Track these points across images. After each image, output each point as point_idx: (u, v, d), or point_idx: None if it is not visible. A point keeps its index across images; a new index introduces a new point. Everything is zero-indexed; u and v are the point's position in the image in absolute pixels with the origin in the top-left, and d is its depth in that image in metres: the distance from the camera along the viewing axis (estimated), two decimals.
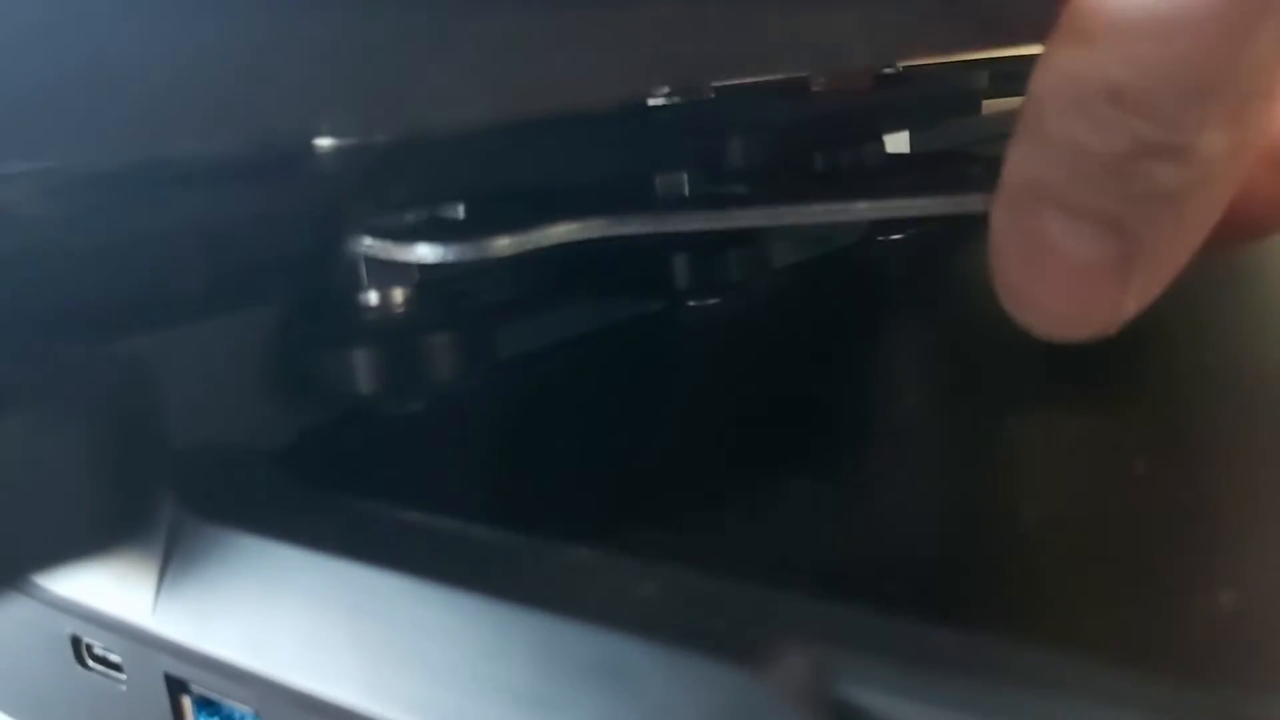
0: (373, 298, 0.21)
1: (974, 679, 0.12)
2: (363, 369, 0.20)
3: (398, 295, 0.21)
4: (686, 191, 0.25)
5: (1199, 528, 0.15)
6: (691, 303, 0.28)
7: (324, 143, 0.21)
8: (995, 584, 0.14)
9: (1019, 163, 0.17)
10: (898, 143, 0.32)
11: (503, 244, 0.21)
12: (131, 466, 0.17)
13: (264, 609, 0.17)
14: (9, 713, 0.22)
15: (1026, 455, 0.19)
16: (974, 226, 0.33)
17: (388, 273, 0.21)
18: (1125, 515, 0.16)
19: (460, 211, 0.21)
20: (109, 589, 0.19)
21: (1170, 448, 0.18)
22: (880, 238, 0.32)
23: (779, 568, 0.15)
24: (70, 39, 0.09)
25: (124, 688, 0.19)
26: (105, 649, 0.19)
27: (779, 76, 0.28)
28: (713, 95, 0.28)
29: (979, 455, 0.19)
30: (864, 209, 0.20)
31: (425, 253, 0.20)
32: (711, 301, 0.28)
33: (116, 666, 0.19)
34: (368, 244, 0.20)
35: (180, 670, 0.18)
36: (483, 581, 0.15)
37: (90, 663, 0.20)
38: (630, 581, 0.14)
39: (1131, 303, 0.17)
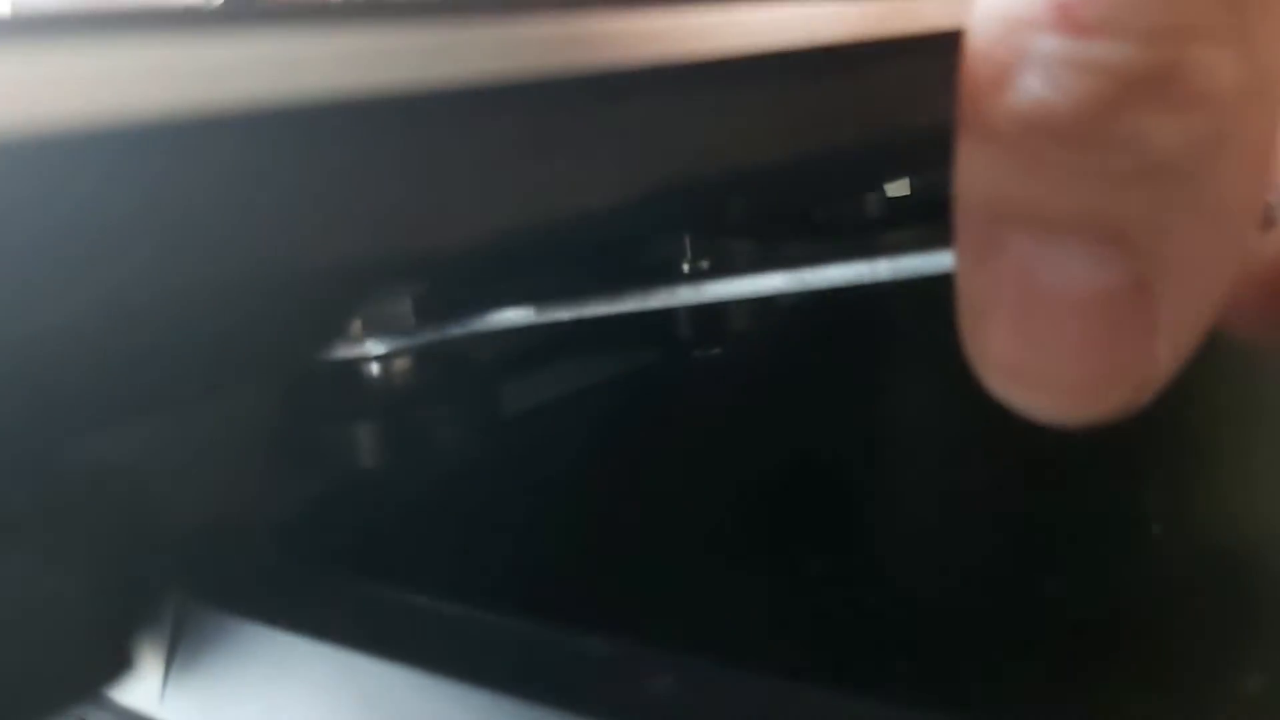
0: (374, 368, 0.21)
1: None
2: (367, 445, 0.20)
3: (397, 365, 0.21)
4: (688, 249, 0.25)
5: (1224, 606, 0.15)
6: (695, 352, 0.27)
7: None
8: (1017, 675, 0.14)
9: (965, 175, 0.13)
10: (897, 185, 0.32)
11: (452, 331, 0.20)
12: (135, 551, 0.17)
13: (272, 699, 0.17)
14: None
15: (1044, 522, 0.18)
16: None
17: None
18: (1150, 598, 0.16)
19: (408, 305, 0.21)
20: None
21: (1193, 510, 0.18)
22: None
23: (799, 661, 0.14)
24: (57, 206, 0.09)
25: None
26: None
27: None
28: None
29: (994, 524, 0.18)
30: (883, 270, 0.18)
31: (372, 347, 0.20)
32: (715, 351, 0.27)
33: None
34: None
35: None
36: (494, 676, 0.15)
37: None
38: (646, 675, 0.14)
39: (1165, 350, 0.12)
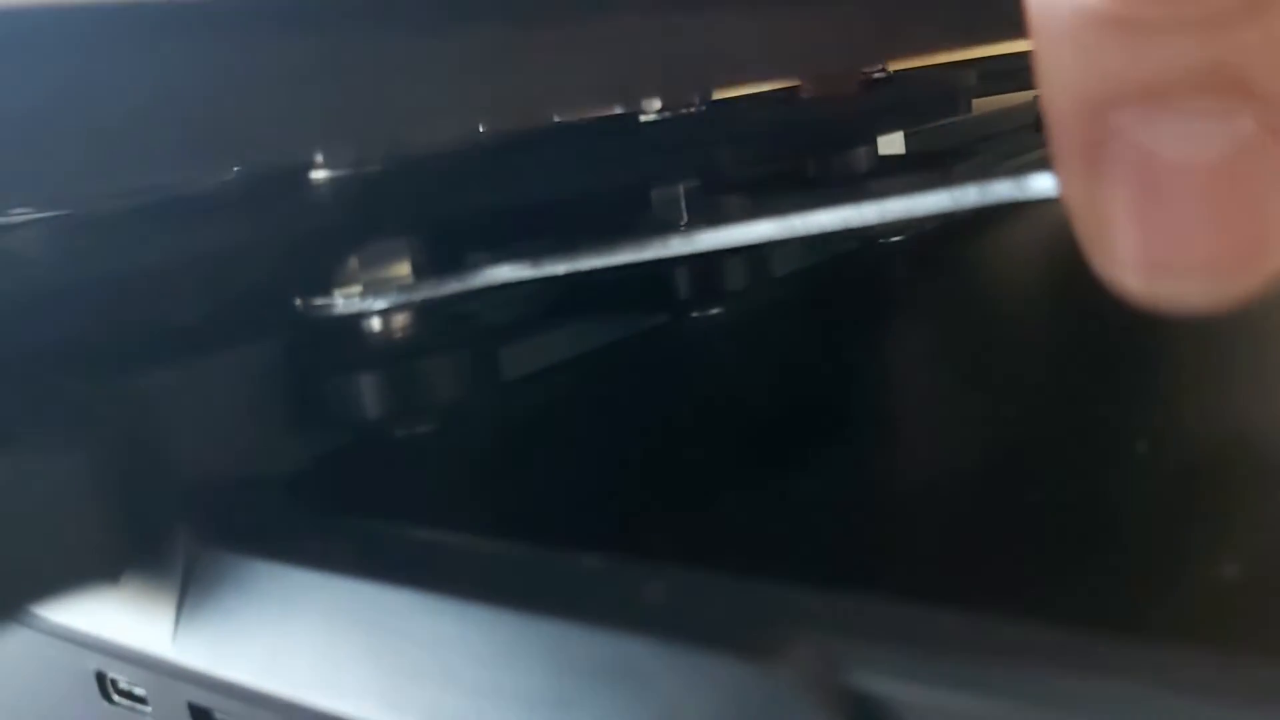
0: (375, 323, 0.21)
1: (983, 660, 0.12)
2: (368, 394, 0.20)
3: (398, 320, 0.22)
4: (684, 205, 0.25)
5: (1203, 506, 0.15)
6: (694, 314, 0.28)
7: (318, 175, 0.22)
8: (999, 567, 0.14)
9: (1054, 71, 0.12)
10: (891, 146, 0.32)
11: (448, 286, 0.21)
12: (143, 497, 0.17)
13: (282, 632, 0.17)
14: None
15: (1028, 445, 0.18)
16: (973, 224, 0.33)
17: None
18: (1128, 497, 0.16)
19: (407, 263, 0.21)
20: (130, 622, 0.19)
21: (1174, 432, 0.18)
22: (881, 240, 0.32)
23: (784, 563, 0.15)
24: (41, 75, 0.09)
25: None
26: (130, 683, 0.20)
27: (766, 85, 0.28)
28: (704, 108, 0.28)
29: (980, 448, 0.19)
30: (870, 214, 0.18)
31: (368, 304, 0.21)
32: (714, 311, 0.28)
33: (141, 700, 0.20)
34: (312, 304, 0.21)
35: (203, 698, 0.18)
36: (492, 592, 0.15)
37: (116, 698, 0.20)
38: (637, 584, 0.14)
39: None
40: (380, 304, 0.21)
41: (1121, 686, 0.11)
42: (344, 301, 0.20)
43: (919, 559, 0.15)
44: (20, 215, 0.21)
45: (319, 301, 0.20)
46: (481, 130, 0.13)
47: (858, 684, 0.13)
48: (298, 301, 0.20)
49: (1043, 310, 0.27)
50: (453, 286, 0.21)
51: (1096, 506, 0.16)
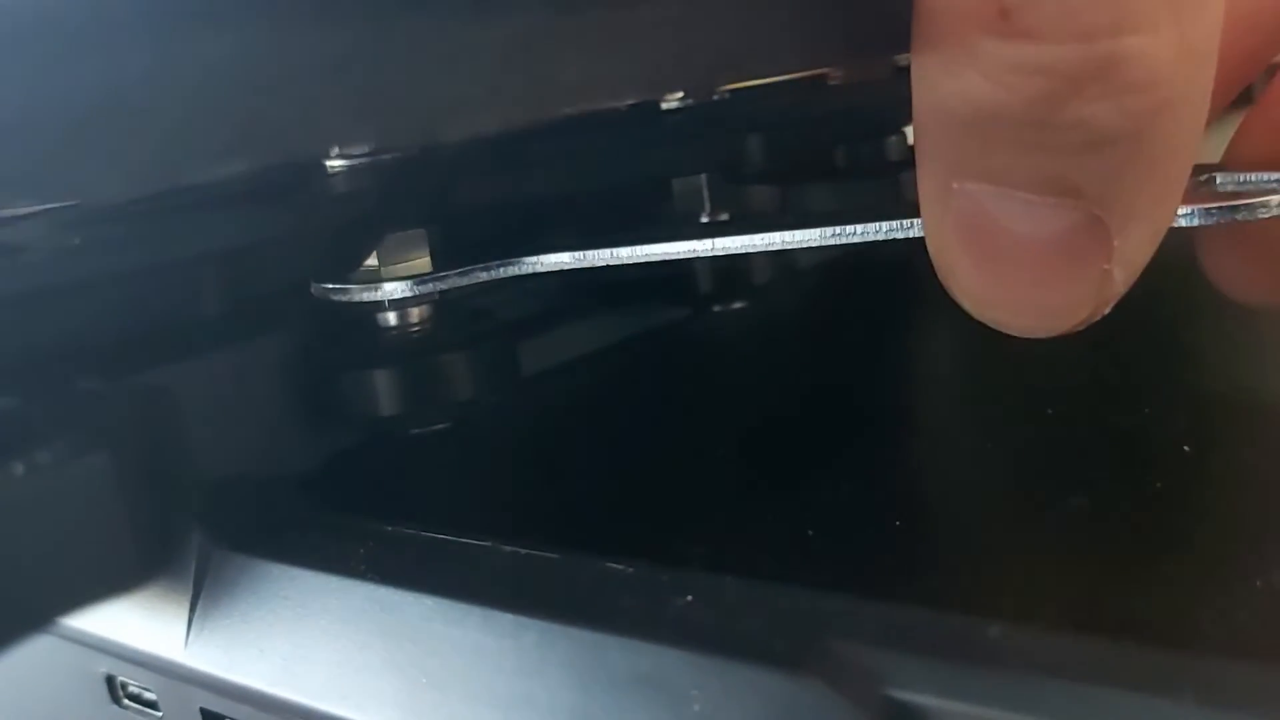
0: (391, 318, 0.21)
1: (1019, 674, 0.12)
2: (384, 391, 0.20)
3: (415, 315, 0.21)
4: (706, 194, 0.25)
5: (1240, 519, 0.15)
6: (716, 308, 0.27)
7: (334, 163, 0.21)
8: (1038, 580, 0.14)
9: (925, 150, 0.13)
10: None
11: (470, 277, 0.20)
12: (157, 498, 0.17)
13: (297, 637, 0.16)
14: None
15: (1069, 449, 0.18)
16: None
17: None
18: (1165, 508, 0.15)
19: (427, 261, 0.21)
20: (141, 625, 0.18)
21: (1222, 436, 0.18)
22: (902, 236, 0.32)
23: (819, 572, 0.14)
24: (80, 73, 0.09)
25: None
26: (140, 687, 0.19)
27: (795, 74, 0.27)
28: (727, 95, 0.27)
29: (1019, 452, 0.18)
30: (824, 235, 0.18)
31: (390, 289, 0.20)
32: (736, 306, 0.27)
33: (152, 704, 0.19)
34: (325, 288, 0.20)
35: (215, 704, 0.18)
36: (518, 599, 0.15)
37: (126, 701, 0.20)
38: (668, 593, 0.14)
39: (1120, 275, 0.13)
40: (398, 294, 0.20)
41: (1165, 702, 0.11)
42: (360, 291, 0.20)
43: (957, 569, 0.14)
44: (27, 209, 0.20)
45: (333, 287, 0.20)
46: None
47: (896, 694, 0.12)
48: (313, 288, 0.20)
49: None
50: (470, 279, 0.20)
51: (1141, 515, 0.15)
